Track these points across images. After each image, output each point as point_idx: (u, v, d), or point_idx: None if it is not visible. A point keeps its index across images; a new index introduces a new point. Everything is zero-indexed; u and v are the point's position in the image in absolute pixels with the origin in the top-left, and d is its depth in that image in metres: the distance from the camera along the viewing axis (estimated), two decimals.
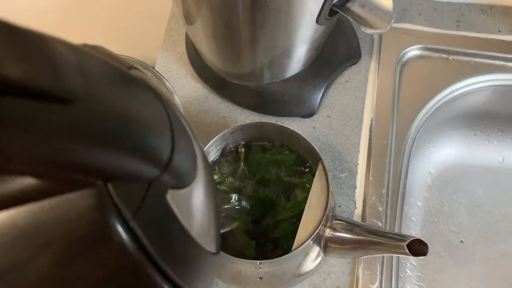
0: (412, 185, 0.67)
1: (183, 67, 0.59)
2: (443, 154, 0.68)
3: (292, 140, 0.41)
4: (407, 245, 0.35)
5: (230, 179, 0.42)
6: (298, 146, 0.41)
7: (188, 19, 0.44)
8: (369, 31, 0.39)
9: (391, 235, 0.37)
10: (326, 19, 0.40)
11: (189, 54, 0.58)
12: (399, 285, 0.57)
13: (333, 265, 0.49)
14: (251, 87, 0.54)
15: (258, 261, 0.35)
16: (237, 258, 0.35)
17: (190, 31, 0.51)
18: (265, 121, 0.42)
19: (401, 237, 0.36)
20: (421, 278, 0.63)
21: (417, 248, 0.35)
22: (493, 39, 0.58)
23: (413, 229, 0.65)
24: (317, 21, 0.40)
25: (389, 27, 0.40)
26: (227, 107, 0.56)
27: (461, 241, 0.65)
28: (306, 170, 0.42)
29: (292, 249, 0.35)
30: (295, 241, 0.36)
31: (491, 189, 0.67)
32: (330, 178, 0.52)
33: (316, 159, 0.39)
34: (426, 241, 0.65)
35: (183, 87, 0.58)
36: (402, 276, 0.62)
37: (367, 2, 0.40)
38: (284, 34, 0.42)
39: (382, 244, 0.37)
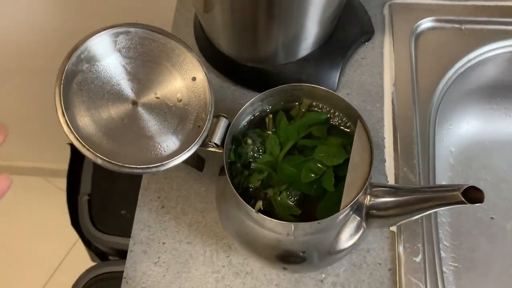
0: (435, 165, 0.66)
1: None
2: (462, 131, 0.67)
3: (326, 101, 0.40)
4: (462, 193, 0.33)
5: (263, 155, 0.40)
6: (332, 107, 0.40)
7: (206, 8, 0.43)
8: None
9: (440, 188, 0.35)
10: None
11: (200, 45, 0.57)
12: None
13: (371, 242, 0.47)
14: (266, 69, 0.52)
15: (292, 224, 0.33)
16: (275, 220, 0.33)
17: (205, 19, 0.51)
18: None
19: (453, 188, 0.34)
20: (456, 258, 0.60)
21: (473, 195, 0.33)
22: (502, 5, 0.57)
23: (440, 211, 0.63)
24: None
25: None
26: (243, 93, 0.55)
27: (491, 218, 0.63)
28: (341, 128, 0.40)
29: (341, 207, 0.33)
30: (342, 201, 0.33)
31: None
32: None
33: (353, 117, 0.37)
34: (455, 221, 0.63)
35: None
36: None
37: None
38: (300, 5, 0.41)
39: (431, 200, 0.35)
